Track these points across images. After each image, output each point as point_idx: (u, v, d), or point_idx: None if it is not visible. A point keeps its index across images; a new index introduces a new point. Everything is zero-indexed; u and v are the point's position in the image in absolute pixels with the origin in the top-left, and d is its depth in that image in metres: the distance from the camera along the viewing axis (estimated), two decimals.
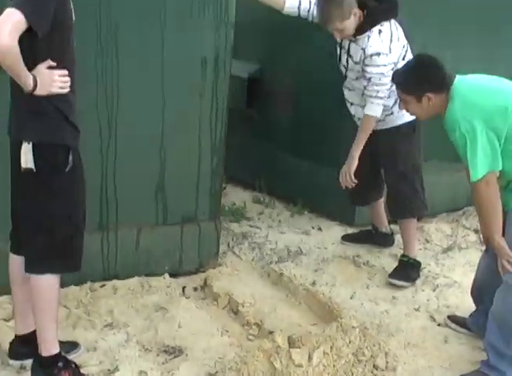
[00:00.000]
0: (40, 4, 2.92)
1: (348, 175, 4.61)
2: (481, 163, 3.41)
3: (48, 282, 3.31)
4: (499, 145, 3.44)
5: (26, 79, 2.99)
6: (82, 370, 3.52)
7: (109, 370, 3.60)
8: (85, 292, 4.25)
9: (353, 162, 4.58)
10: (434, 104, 3.63)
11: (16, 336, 3.58)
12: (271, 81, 6.16)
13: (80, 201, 3.37)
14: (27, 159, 3.12)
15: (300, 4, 4.72)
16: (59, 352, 3.43)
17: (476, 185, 3.48)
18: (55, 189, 3.22)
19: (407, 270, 4.81)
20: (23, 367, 3.53)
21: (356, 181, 4.62)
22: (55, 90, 3.08)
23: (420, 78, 3.64)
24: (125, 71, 4.15)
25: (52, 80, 3.07)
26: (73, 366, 3.47)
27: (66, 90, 3.13)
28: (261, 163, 6.31)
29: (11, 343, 3.59)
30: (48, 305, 3.33)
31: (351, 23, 4.41)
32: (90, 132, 4.04)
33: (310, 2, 4.70)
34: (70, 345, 3.69)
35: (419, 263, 4.88)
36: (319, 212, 5.90)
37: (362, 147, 4.56)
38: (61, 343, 3.55)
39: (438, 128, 3.69)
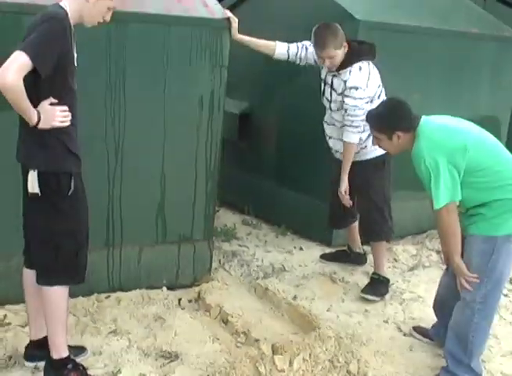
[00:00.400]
0: (45, 49, 2.96)
1: (344, 195, 4.65)
2: (443, 194, 3.44)
3: (58, 292, 3.34)
4: (459, 178, 3.46)
5: (30, 114, 3.01)
6: (89, 372, 3.52)
7: (112, 372, 3.61)
8: (92, 302, 4.25)
9: (343, 183, 4.62)
10: (403, 141, 3.65)
11: (30, 341, 3.59)
12: (260, 117, 6.17)
13: (83, 220, 3.38)
14: (33, 185, 3.15)
15: (289, 48, 4.77)
16: (69, 355, 3.45)
17: (438, 212, 3.51)
18: (60, 210, 3.24)
19: (377, 286, 4.82)
20: (36, 368, 3.54)
21: (351, 201, 4.68)
22: (57, 124, 3.10)
23: (391, 120, 3.66)
24: (131, 108, 4.17)
25: (53, 115, 3.09)
26: (81, 368, 3.47)
27: (67, 124, 3.15)
28: (250, 190, 6.31)
29: (26, 347, 3.60)
30: (58, 313, 3.35)
31: (340, 54, 4.45)
32: (99, 161, 4.13)
33: (297, 47, 4.76)
34: (79, 349, 3.70)
35: (388, 280, 4.88)
36: (301, 234, 5.89)
37: (347, 171, 4.59)
38: (70, 347, 3.57)
39: (406, 162, 3.71)
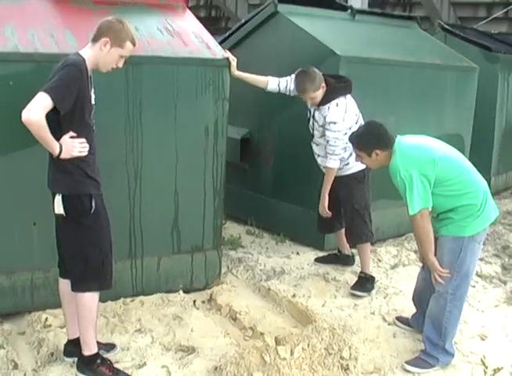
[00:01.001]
0: (64, 91, 3.02)
1: (324, 209, 4.72)
2: (417, 201, 3.46)
3: (89, 298, 3.36)
4: (430, 187, 3.48)
5: (53, 146, 3.08)
6: (118, 365, 3.54)
7: (139, 364, 3.62)
8: (119, 306, 4.26)
9: (323, 201, 4.70)
10: (381, 158, 3.66)
11: (68, 340, 3.60)
12: (258, 141, 6.18)
13: (106, 234, 3.39)
14: (58, 207, 3.22)
15: (279, 83, 4.83)
16: (98, 352, 3.45)
17: (413, 218, 3.53)
18: (85, 226, 3.27)
19: (364, 283, 4.81)
20: (74, 362, 3.55)
21: (330, 213, 4.72)
22: (76, 154, 3.15)
23: (370, 141, 3.68)
24: (147, 137, 4.19)
25: (73, 146, 3.14)
26: (109, 362, 3.48)
27: (85, 154, 3.19)
28: (252, 204, 6.32)
29: (65, 344, 3.62)
30: (89, 315, 3.37)
31: (320, 94, 4.53)
32: (120, 183, 4.14)
33: (287, 81, 4.81)
34: (110, 346, 3.73)
35: (373, 277, 4.88)
36: (297, 241, 5.88)
37: (328, 189, 4.65)
38: (103, 344, 3.60)
39: (386, 176, 3.73)
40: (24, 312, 4.10)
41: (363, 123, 4.47)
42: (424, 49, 6.38)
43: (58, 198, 3.21)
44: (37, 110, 2.92)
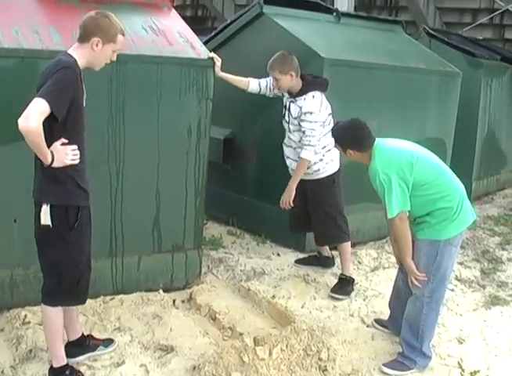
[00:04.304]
0: (61, 96, 2.93)
1: (287, 202, 4.75)
2: (395, 204, 3.50)
3: (55, 311, 3.29)
4: (408, 191, 3.52)
5: (45, 155, 2.96)
6: (97, 364, 3.54)
7: (117, 363, 3.63)
8: (99, 304, 4.24)
9: (290, 192, 4.73)
10: (356, 157, 3.70)
11: (68, 341, 3.58)
12: (241, 141, 6.19)
13: (85, 250, 3.29)
14: (45, 218, 3.08)
15: (260, 83, 4.91)
16: (66, 364, 3.38)
17: (392, 221, 3.58)
18: (65, 242, 3.16)
19: (344, 286, 4.83)
20: (76, 362, 3.56)
21: (293, 205, 4.75)
22: (68, 162, 3.05)
23: (346, 138, 3.72)
24: (130, 136, 4.19)
25: (65, 154, 3.04)
26: (79, 373, 3.42)
27: (77, 162, 3.09)
28: (234, 204, 6.31)
29: (65, 347, 3.52)
30: (54, 327, 3.31)
31: (286, 80, 4.62)
32: (102, 182, 4.11)
33: (266, 81, 4.90)
34: (109, 341, 3.75)
35: (353, 279, 4.91)
36: (278, 242, 5.89)
37: (297, 182, 4.69)
38: (101, 340, 3.66)
39: (366, 178, 3.76)
40: (3, 309, 4.08)
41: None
42: (408, 54, 6.44)
43: (45, 208, 3.08)
44: (34, 117, 2.82)
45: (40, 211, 3.10)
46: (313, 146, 4.61)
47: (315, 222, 4.94)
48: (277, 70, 4.63)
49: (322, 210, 4.82)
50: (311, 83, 4.69)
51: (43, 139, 2.90)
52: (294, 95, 4.69)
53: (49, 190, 3.10)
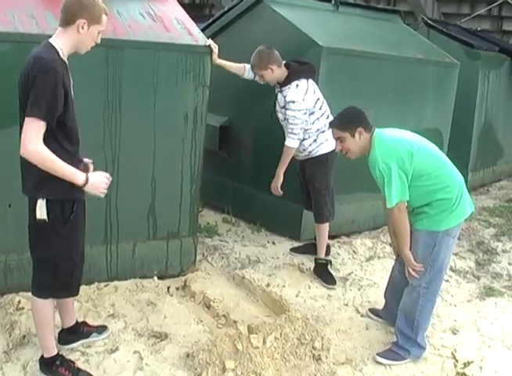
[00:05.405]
0: (51, 103, 2.79)
1: (275, 188, 4.83)
2: (394, 194, 3.48)
3: (46, 303, 3.24)
4: (407, 181, 3.51)
5: (72, 176, 2.89)
6: (91, 350, 3.54)
7: (111, 349, 3.62)
8: (93, 290, 4.24)
9: (278, 179, 4.80)
10: (364, 140, 3.61)
11: (62, 328, 3.58)
12: (237, 129, 6.18)
13: (79, 242, 3.23)
14: (41, 212, 2.98)
15: None
16: (57, 354, 3.35)
17: (390, 211, 3.56)
18: (60, 235, 3.08)
19: (325, 275, 4.87)
20: (72, 349, 3.58)
21: (282, 192, 4.82)
22: (102, 195, 3.03)
23: (353, 118, 3.67)
24: (126, 122, 4.17)
25: (102, 185, 3.01)
26: (70, 363, 3.36)
27: (104, 195, 3.06)
28: (229, 192, 6.31)
29: (59, 333, 3.56)
30: (44, 319, 3.25)
31: (268, 74, 4.69)
32: (98, 168, 3.98)
33: None
34: (102, 328, 3.74)
35: (329, 261, 5.01)
36: (273, 230, 5.90)
37: (284, 168, 4.75)
38: (95, 327, 3.65)
39: (362, 168, 3.76)
40: None
41: (328, 109, 4.70)
42: (407, 43, 6.41)
43: (41, 203, 2.98)
44: (33, 140, 2.73)
45: (34, 205, 3.01)
46: (296, 135, 4.66)
47: (312, 199, 5.01)
48: (257, 68, 4.73)
49: (313, 185, 4.91)
50: (295, 71, 4.71)
51: (53, 157, 2.81)
52: (280, 85, 4.73)
53: (44, 185, 2.97)
